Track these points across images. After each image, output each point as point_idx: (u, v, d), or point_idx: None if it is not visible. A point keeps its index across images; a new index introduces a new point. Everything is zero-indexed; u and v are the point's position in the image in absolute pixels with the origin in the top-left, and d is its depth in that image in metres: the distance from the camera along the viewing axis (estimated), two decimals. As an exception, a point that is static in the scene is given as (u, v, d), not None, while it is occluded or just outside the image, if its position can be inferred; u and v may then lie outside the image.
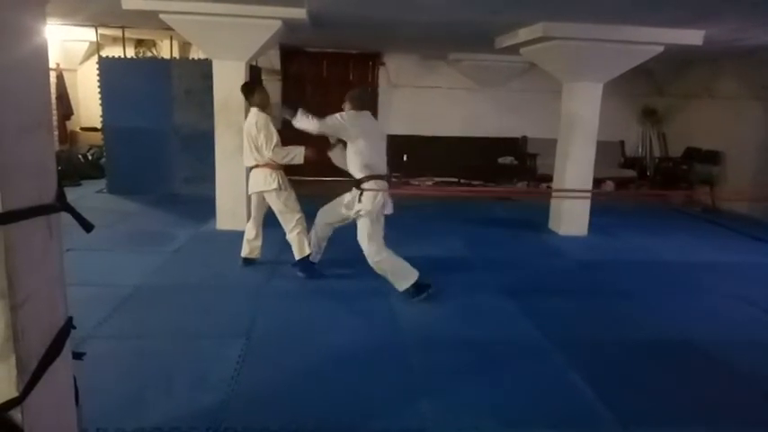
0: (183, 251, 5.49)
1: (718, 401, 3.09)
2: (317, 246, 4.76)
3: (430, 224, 6.90)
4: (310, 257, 4.74)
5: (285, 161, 4.57)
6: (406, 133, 10.05)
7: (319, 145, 4.63)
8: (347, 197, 4.43)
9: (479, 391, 3.06)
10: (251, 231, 4.94)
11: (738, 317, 4.38)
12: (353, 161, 4.24)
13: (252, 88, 4.76)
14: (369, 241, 4.22)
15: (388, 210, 4.32)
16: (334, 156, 4.50)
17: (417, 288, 4.28)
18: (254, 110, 4.62)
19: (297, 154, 4.56)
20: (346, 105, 4.31)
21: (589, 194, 6.88)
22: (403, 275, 4.28)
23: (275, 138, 4.53)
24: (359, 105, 4.31)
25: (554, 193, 7.04)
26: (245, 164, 4.79)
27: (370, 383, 3.11)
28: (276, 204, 4.65)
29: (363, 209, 4.20)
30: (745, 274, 5.51)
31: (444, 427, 2.73)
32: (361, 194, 4.20)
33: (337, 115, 4.20)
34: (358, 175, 4.25)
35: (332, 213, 4.59)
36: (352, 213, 4.35)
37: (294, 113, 4.20)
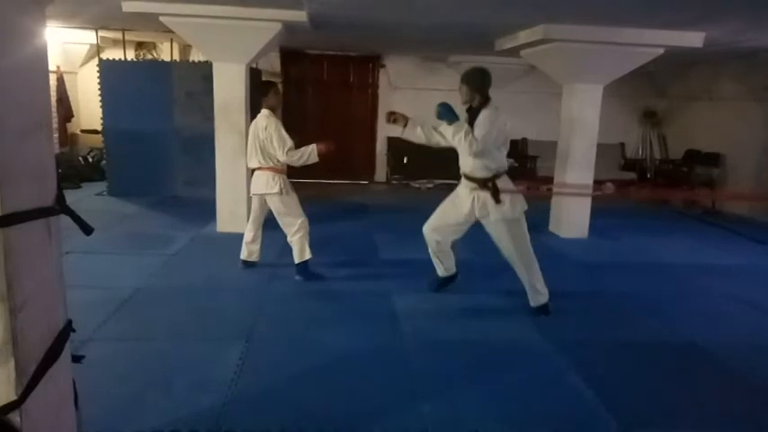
0: (183, 254, 5.49)
1: (719, 404, 3.08)
2: (444, 262, 4.42)
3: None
4: (438, 273, 4.50)
5: (300, 163, 4.51)
6: (407, 135, 10.06)
7: (329, 139, 4.56)
8: (466, 201, 4.03)
9: (480, 393, 3.05)
10: (249, 234, 4.93)
11: (740, 319, 4.37)
12: (483, 158, 3.85)
13: (268, 89, 4.68)
14: (528, 246, 3.95)
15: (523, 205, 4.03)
16: (409, 134, 4.17)
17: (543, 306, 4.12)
18: (264, 112, 4.57)
19: (310, 153, 4.46)
20: (476, 98, 3.94)
21: (590, 192, 6.86)
22: (540, 289, 4.09)
23: (289, 141, 4.46)
24: (484, 92, 3.94)
25: (555, 190, 7.02)
26: (248, 165, 4.78)
27: (370, 386, 3.10)
28: (278, 208, 4.64)
29: (518, 213, 3.89)
30: (745, 276, 5.50)
31: (445, 429, 2.72)
32: (497, 195, 3.86)
33: (497, 120, 3.82)
34: (486, 173, 3.89)
35: (449, 223, 4.20)
36: (482, 219, 4.03)
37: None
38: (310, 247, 4.70)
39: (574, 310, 4.38)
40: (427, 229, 4.31)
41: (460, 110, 4.05)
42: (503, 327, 4.01)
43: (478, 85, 3.95)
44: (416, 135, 4.17)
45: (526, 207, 4.03)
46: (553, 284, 5.07)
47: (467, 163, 4.03)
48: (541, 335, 3.85)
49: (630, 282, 5.17)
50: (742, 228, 7.51)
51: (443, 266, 4.45)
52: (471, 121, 3.93)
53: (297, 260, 4.71)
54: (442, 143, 4.14)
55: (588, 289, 4.98)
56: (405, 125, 4.15)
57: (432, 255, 4.42)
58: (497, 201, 3.90)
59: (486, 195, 3.94)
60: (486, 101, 3.97)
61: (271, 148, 4.48)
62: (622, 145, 10.55)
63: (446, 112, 3.87)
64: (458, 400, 2.97)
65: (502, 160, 4.00)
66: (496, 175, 3.94)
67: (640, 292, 4.89)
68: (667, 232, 7.28)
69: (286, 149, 4.44)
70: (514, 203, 3.95)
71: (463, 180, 4.14)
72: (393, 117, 4.15)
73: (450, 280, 4.53)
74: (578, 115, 6.62)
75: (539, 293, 4.15)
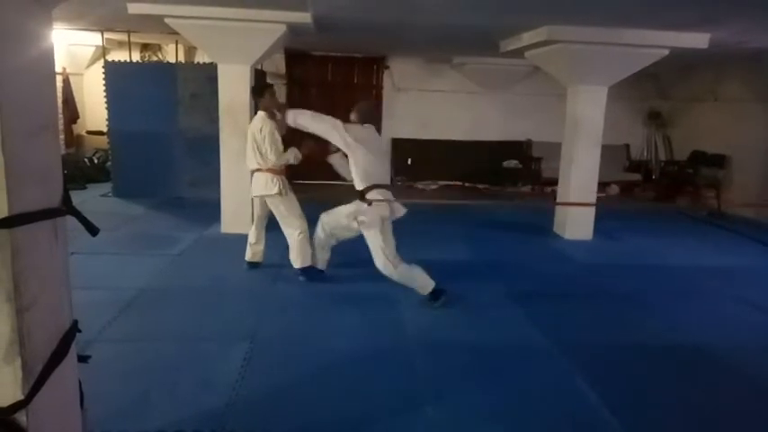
0: (188, 254, 5.51)
1: (725, 408, 3.07)
2: (320, 253, 4.74)
3: (434, 227, 6.88)
4: (312, 262, 4.73)
5: (283, 162, 4.61)
6: (411, 137, 10.07)
7: (315, 141, 4.63)
8: (350, 208, 4.38)
9: (484, 395, 3.05)
10: (253, 235, 4.95)
11: (746, 321, 4.35)
12: (355, 172, 4.22)
13: (262, 90, 4.72)
14: (383, 255, 4.18)
15: (400, 213, 4.28)
16: (334, 161, 4.53)
17: (435, 294, 4.26)
18: (260, 114, 4.61)
19: (294, 153, 4.61)
20: (352, 116, 4.36)
21: (593, 204, 6.84)
22: (423, 284, 4.26)
23: (279, 145, 4.56)
24: (363, 119, 4.37)
25: (558, 201, 7.02)
26: (248, 166, 4.80)
27: (373, 387, 3.10)
28: (277, 209, 4.65)
29: (369, 220, 4.18)
30: (751, 278, 5.48)
31: (448, 431, 2.72)
32: (368, 205, 4.15)
33: (333, 120, 4.20)
34: (361, 185, 4.21)
35: (334, 223, 4.56)
36: (355, 225, 4.34)
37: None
38: (313, 249, 4.71)
39: (577, 312, 4.37)
40: (323, 219, 4.63)
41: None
42: (506, 328, 4.00)
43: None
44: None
45: (386, 215, 4.19)
46: (557, 286, 5.07)
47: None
48: (544, 337, 3.85)
49: (635, 283, 5.15)
50: (747, 230, 7.48)
51: (318, 257, 4.75)
52: None
53: (296, 264, 4.70)
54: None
55: (592, 291, 4.96)
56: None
57: (314, 243, 4.71)
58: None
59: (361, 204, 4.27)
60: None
61: (263, 149, 4.54)
62: (627, 146, 10.52)
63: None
64: (461, 402, 2.96)
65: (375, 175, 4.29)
66: (369, 188, 4.21)
67: (644, 293, 4.87)
68: (672, 234, 7.25)
69: (276, 152, 4.54)
70: (372, 211, 4.17)
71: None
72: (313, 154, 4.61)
73: (319, 273, 4.79)
74: (583, 116, 6.60)
75: (420, 287, 4.28)
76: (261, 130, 4.52)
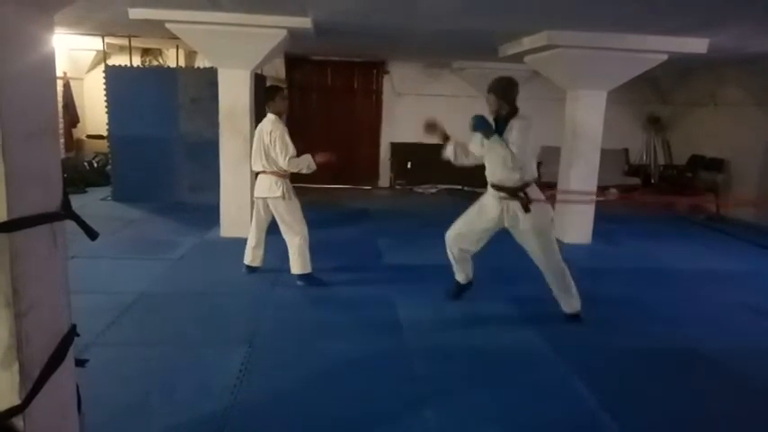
0: (188, 259, 5.50)
1: (724, 411, 3.06)
2: (457, 267, 4.43)
3: (433, 231, 6.86)
4: (457, 279, 4.50)
5: (293, 168, 4.54)
6: (410, 141, 10.07)
7: (328, 150, 4.63)
8: (494, 206, 4.03)
9: (483, 399, 3.04)
10: (253, 239, 4.94)
11: (745, 325, 4.35)
12: (511, 166, 3.80)
13: (274, 93, 4.68)
14: (557, 250, 3.94)
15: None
16: (452, 153, 4.20)
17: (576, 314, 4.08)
18: (270, 116, 4.58)
19: (308, 163, 4.50)
20: (504, 107, 3.94)
21: (593, 197, 6.84)
22: (573, 294, 4.05)
23: (291, 149, 4.47)
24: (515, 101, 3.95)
25: (558, 197, 7.01)
26: (252, 168, 4.80)
27: (373, 391, 3.10)
28: (279, 212, 4.64)
29: (532, 223, 3.85)
30: (750, 282, 5.47)
31: (448, 436, 2.72)
32: (527, 204, 3.84)
33: (527, 131, 3.82)
34: (514, 182, 3.87)
35: (471, 233, 4.20)
36: (511, 228, 4.02)
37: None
38: (312, 255, 4.70)
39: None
40: (451, 234, 4.31)
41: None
42: (506, 332, 4.00)
43: (504, 94, 3.96)
44: (452, 155, 4.23)
45: (552, 215, 4.05)
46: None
47: (495, 173, 4.01)
48: (544, 341, 3.84)
49: (634, 287, 5.15)
50: (746, 233, 7.48)
51: (464, 273, 4.44)
52: (500, 131, 3.93)
53: (296, 270, 4.68)
54: (467, 163, 4.22)
55: (591, 294, 4.93)
56: (445, 139, 4.17)
57: (453, 262, 4.41)
58: (527, 210, 3.89)
59: (515, 205, 3.93)
60: (514, 110, 3.97)
61: (273, 153, 4.49)
62: (626, 151, 10.53)
63: (481, 125, 3.88)
64: (460, 406, 2.96)
65: (533, 170, 4.00)
66: (526, 185, 3.93)
67: (644, 297, 4.87)
68: (671, 238, 7.25)
69: (288, 157, 4.45)
70: (543, 213, 3.95)
71: (490, 189, 4.13)
72: (432, 128, 4.16)
73: (467, 287, 4.52)
74: (582, 121, 6.61)
75: (572, 298, 4.11)
76: (270, 133, 4.48)
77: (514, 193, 3.90)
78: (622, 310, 4.56)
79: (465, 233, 4.24)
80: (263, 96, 4.84)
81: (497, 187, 4.02)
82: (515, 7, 4.86)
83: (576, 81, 6.59)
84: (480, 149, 4.02)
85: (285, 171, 4.59)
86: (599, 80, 6.47)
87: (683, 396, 3.20)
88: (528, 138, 3.82)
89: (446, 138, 4.14)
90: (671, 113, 10.44)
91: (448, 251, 4.36)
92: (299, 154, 4.55)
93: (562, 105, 6.97)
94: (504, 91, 3.95)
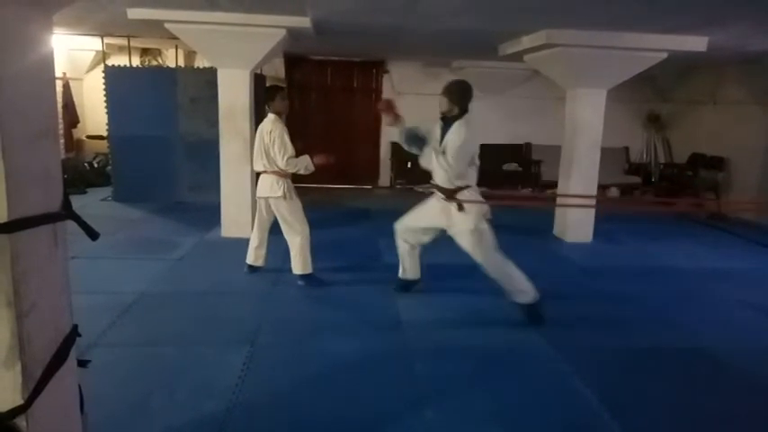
0: (188, 259, 5.51)
1: (725, 410, 3.06)
2: (410, 264, 4.52)
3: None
4: (400, 275, 4.59)
5: (291, 169, 4.55)
6: (410, 140, 10.07)
7: (327, 151, 4.65)
8: (435, 206, 4.15)
9: (484, 398, 3.05)
10: (256, 239, 4.94)
11: (746, 324, 4.35)
12: (451, 171, 3.92)
13: (274, 93, 4.69)
14: (492, 250, 3.99)
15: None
16: (400, 137, 4.15)
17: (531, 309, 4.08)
18: (271, 116, 4.58)
19: (306, 164, 4.52)
20: (455, 108, 3.97)
21: (594, 200, 6.85)
22: (521, 289, 4.08)
23: (290, 149, 4.49)
24: (467, 105, 3.98)
25: (558, 200, 7.03)
26: (254, 168, 4.80)
27: (374, 391, 3.10)
28: (280, 212, 4.65)
29: (479, 222, 3.94)
30: (751, 280, 5.48)
31: (449, 435, 2.72)
32: (461, 205, 3.94)
33: (468, 140, 3.90)
34: (450, 184, 3.98)
35: (415, 228, 4.32)
36: (447, 228, 4.11)
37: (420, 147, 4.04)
38: (312, 255, 4.71)
39: (578, 315, 4.36)
40: (398, 226, 4.43)
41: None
42: (506, 331, 4.00)
43: (458, 98, 3.98)
44: (398, 138, 4.25)
45: (489, 216, 4.08)
46: (557, 289, 5.07)
47: (438, 175, 4.10)
48: (545, 340, 3.84)
49: (635, 286, 5.15)
50: (747, 232, 7.48)
51: (404, 267, 4.55)
52: (444, 132, 4.02)
53: (297, 270, 4.69)
54: (417, 153, 4.22)
55: (592, 293, 4.96)
56: (395, 122, 4.15)
57: (400, 253, 4.53)
58: (460, 209, 3.97)
59: (451, 206, 4.03)
60: (462, 113, 4.01)
61: (272, 152, 4.50)
62: (626, 149, 10.52)
63: (411, 142, 4.03)
64: (461, 406, 2.96)
65: (468, 176, 4.07)
66: (461, 188, 4.02)
67: (645, 296, 4.87)
68: (672, 236, 7.25)
69: (286, 157, 4.47)
70: (476, 215, 4.00)
71: (435, 190, 4.24)
72: (387, 107, 4.11)
73: (413, 283, 4.60)
74: (582, 119, 6.61)
75: (521, 292, 4.12)
76: (270, 133, 4.49)
77: (450, 195, 4.00)
78: (623, 308, 4.56)
79: (411, 227, 4.38)
80: (264, 96, 4.84)
81: (438, 188, 4.13)
82: (515, 6, 4.85)
83: (575, 80, 6.59)
84: (428, 161, 4.10)
85: (285, 171, 4.59)
86: (599, 79, 6.47)
87: (683, 395, 3.20)
88: (463, 143, 3.89)
89: (397, 119, 4.11)
90: (671, 112, 10.44)
91: (396, 241, 4.48)
92: (298, 154, 4.55)
93: (562, 104, 6.97)
94: (458, 95, 3.99)
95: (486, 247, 4.02)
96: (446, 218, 4.07)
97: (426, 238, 4.39)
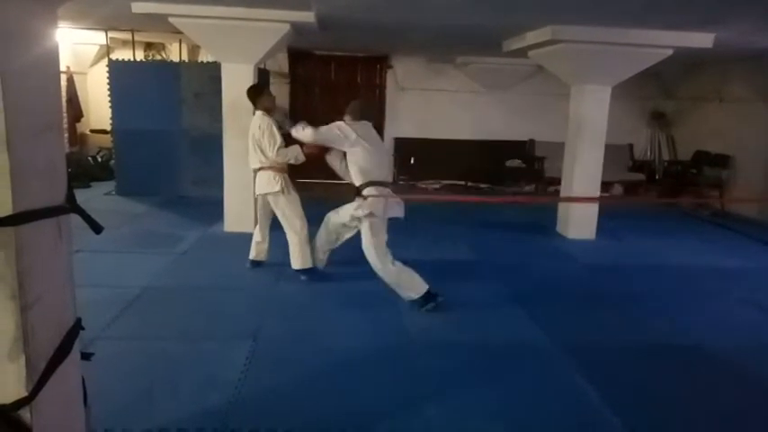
0: (191, 253, 5.52)
1: (728, 407, 3.06)
2: (321, 252, 4.78)
3: (436, 227, 6.88)
4: (315, 263, 4.77)
5: (286, 161, 4.62)
6: (414, 136, 10.07)
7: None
8: (353, 205, 4.38)
9: (486, 395, 3.05)
10: (258, 234, 4.96)
11: (749, 322, 4.34)
12: (352, 169, 4.25)
13: (258, 92, 4.81)
14: (373, 250, 4.17)
15: (398, 213, 4.28)
16: (330, 160, 4.55)
17: (425, 298, 4.19)
18: (258, 113, 4.69)
19: (297, 154, 4.59)
20: (346, 117, 4.37)
21: (597, 200, 6.84)
22: (410, 287, 4.20)
23: (279, 140, 4.59)
24: (358, 116, 4.37)
25: (562, 196, 7.00)
26: (250, 166, 4.83)
27: (376, 387, 3.11)
28: (278, 207, 4.67)
29: (362, 214, 4.19)
30: (755, 278, 5.46)
31: (450, 431, 2.72)
32: (363, 201, 4.19)
33: (333, 125, 4.26)
34: (357, 182, 4.24)
35: (337, 220, 4.58)
36: (354, 222, 4.36)
37: (293, 124, 4.42)
38: (312, 250, 4.72)
39: (580, 312, 4.36)
40: (327, 219, 4.68)
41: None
42: (508, 328, 4.00)
43: (352, 110, 4.39)
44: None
45: (381, 211, 4.19)
46: (560, 286, 5.07)
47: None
48: (547, 336, 3.84)
49: (637, 283, 5.15)
50: (751, 230, 7.45)
51: (315, 256, 4.76)
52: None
53: (296, 265, 4.71)
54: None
55: (595, 290, 4.95)
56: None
57: (318, 242, 4.75)
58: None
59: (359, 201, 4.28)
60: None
61: (263, 145, 4.56)
62: (631, 146, 10.49)
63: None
64: (462, 402, 2.97)
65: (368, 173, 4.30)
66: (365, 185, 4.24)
67: (647, 293, 4.87)
68: (675, 234, 7.23)
69: (276, 148, 4.55)
70: (373, 208, 4.17)
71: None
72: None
73: (321, 273, 4.82)
74: (586, 116, 6.59)
75: (407, 290, 4.19)
76: (260, 127, 4.57)
77: (358, 192, 4.27)
78: (625, 306, 4.56)
79: (334, 220, 4.61)
80: (249, 97, 4.88)
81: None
82: (519, 2, 4.83)
83: (580, 76, 6.56)
84: None
85: (283, 165, 4.65)
86: (603, 75, 6.44)
87: (685, 392, 3.20)
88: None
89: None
90: (676, 109, 10.39)
91: (320, 229, 4.70)
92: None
93: (566, 100, 6.95)
94: (354, 108, 4.39)
95: (374, 243, 4.19)
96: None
97: (348, 236, 4.66)
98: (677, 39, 5.93)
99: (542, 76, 9.09)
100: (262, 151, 4.59)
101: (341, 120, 4.33)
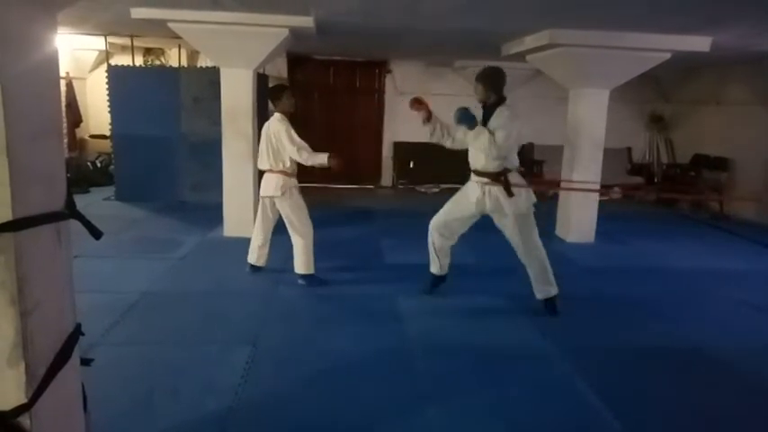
0: (191, 258, 5.51)
1: (726, 410, 3.06)
2: (435, 257, 4.49)
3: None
4: (435, 271, 4.54)
5: (309, 163, 4.50)
6: (413, 140, 10.07)
7: (342, 156, 4.60)
8: (474, 192, 4.11)
9: (485, 397, 3.05)
10: (258, 238, 4.94)
11: (748, 324, 4.34)
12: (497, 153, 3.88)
13: (280, 92, 4.67)
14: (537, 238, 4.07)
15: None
16: (428, 130, 4.30)
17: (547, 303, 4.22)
18: (277, 115, 4.58)
19: (322, 160, 4.45)
20: (491, 96, 4.02)
21: (597, 188, 6.79)
22: (549, 280, 4.19)
23: (301, 142, 4.47)
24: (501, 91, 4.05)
25: (562, 184, 6.97)
26: (259, 166, 4.79)
27: (376, 391, 3.10)
28: (285, 211, 4.65)
29: (512, 208, 3.98)
30: (753, 281, 5.46)
31: (451, 434, 2.72)
32: (509, 189, 3.95)
33: (511, 121, 3.91)
34: (496, 168, 3.97)
35: (453, 220, 4.30)
36: (491, 213, 4.13)
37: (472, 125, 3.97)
38: (315, 255, 4.71)
39: (579, 315, 4.36)
40: (435, 222, 4.41)
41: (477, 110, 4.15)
42: (508, 331, 4.00)
43: (492, 84, 4.04)
44: (431, 133, 4.32)
45: (535, 201, 4.15)
46: (559, 288, 5.05)
47: (479, 159, 4.11)
48: (546, 339, 3.84)
49: (636, 286, 5.15)
50: (750, 232, 7.46)
51: (440, 263, 4.51)
52: (486, 119, 4.04)
53: (299, 270, 4.70)
54: (452, 146, 4.33)
55: (594, 293, 4.95)
56: (428, 119, 4.26)
57: (432, 251, 4.48)
58: (509, 194, 4.00)
59: (498, 190, 4.04)
60: (501, 99, 4.06)
61: (283, 150, 4.49)
62: (629, 149, 10.51)
63: (465, 118, 3.96)
64: (462, 405, 2.96)
65: (514, 159, 4.15)
66: (508, 170, 4.04)
67: (646, 296, 4.87)
68: (674, 237, 7.24)
69: (296, 147, 4.43)
70: (525, 199, 4.07)
71: (473, 176, 4.23)
72: (417, 105, 4.24)
73: (442, 280, 4.58)
74: (585, 120, 6.60)
75: (548, 285, 4.21)
76: (277, 133, 4.48)
77: (497, 178, 4.01)
78: (625, 308, 4.56)
79: (447, 221, 4.35)
80: (270, 95, 4.81)
81: (479, 173, 4.13)
82: (518, 6, 4.85)
83: (578, 80, 6.58)
84: (464, 136, 4.13)
85: (292, 170, 4.60)
86: (601, 79, 6.46)
87: (685, 394, 3.20)
88: (512, 127, 3.93)
89: (429, 116, 4.25)
90: (674, 112, 10.42)
91: (429, 240, 4.47)
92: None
93: (564, 104, 6.96)
94: (493, 80, 4.06)
95: (530, 232, 4.10)
96: (490, 202, 4.08)
97: (464, 229, 4.40)
98: (675, 42, 5.95)
99: (541, 79, 9.11)
100: (275, 156, 4.54)
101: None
